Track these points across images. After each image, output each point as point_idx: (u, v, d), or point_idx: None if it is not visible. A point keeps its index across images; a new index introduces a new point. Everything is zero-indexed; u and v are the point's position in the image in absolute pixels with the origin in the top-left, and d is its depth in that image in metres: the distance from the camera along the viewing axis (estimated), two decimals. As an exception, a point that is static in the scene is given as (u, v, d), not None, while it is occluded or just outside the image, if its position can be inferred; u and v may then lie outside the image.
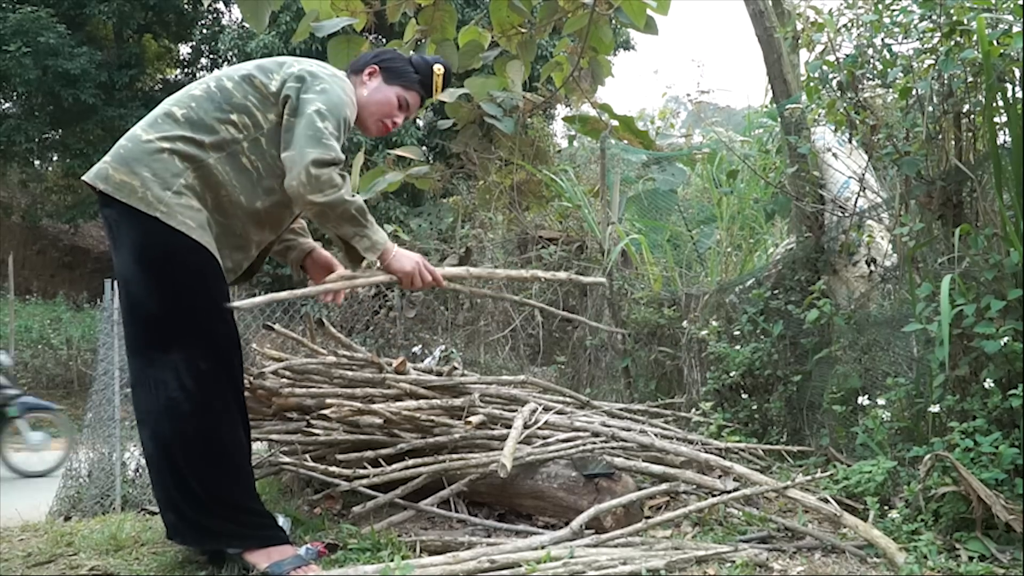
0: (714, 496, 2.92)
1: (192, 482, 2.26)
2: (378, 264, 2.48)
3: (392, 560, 2.38)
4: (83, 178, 2.35)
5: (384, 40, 13.17)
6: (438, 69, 2.73)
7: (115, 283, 2.52)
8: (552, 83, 5.48)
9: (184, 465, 2.26)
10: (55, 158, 20.99)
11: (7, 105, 19.64)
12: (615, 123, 6.26)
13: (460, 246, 8.09)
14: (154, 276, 2.24)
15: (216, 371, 2.27)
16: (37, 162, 21.47)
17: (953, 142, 3.06)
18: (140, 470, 5.41)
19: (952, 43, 2.87)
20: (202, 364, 2.24)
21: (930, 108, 3.01)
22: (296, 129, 2.32)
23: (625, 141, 6.58)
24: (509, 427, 3.12)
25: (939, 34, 2.95)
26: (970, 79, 2.94)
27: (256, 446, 3.51)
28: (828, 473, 3.02)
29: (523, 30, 4.78)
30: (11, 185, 21.52)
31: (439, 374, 3.50)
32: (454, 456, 3.02)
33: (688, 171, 7.27)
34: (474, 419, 3.13)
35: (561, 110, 13.42)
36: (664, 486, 3.06)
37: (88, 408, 6.42)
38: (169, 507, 2.33)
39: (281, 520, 2.55)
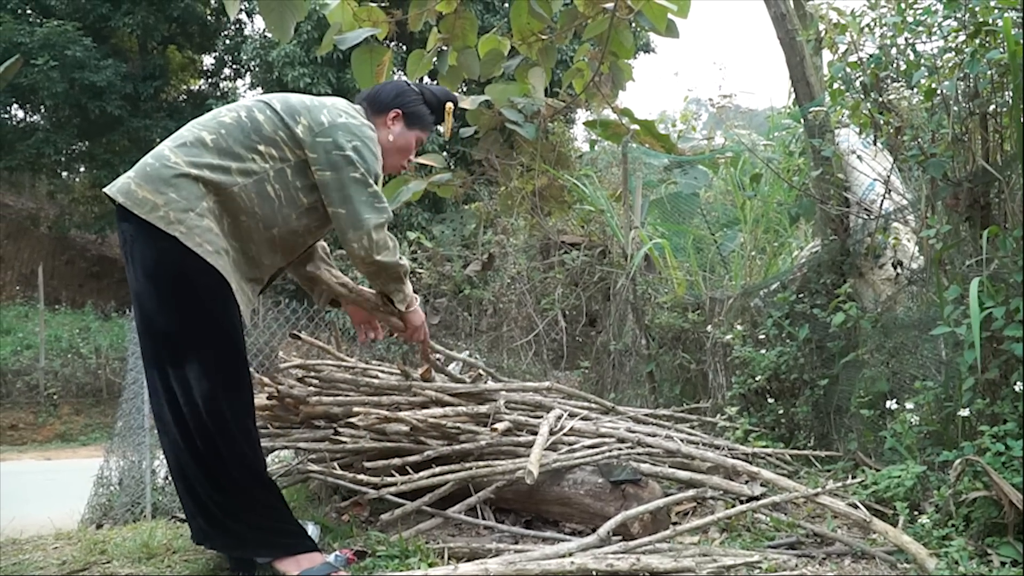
0: (742, 502, 2.91)
1: (208, 492, 2.30)
2: (403, 309, 2.76)
3: (420, 567, 2.39)
4: (105, 190, 2.38)
5: (406, 48, 13.24)
6: (449, 107, 2.84)
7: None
8: (573, 88, 5.48)
9: (199, 476, 2.30)
10: (82, 169, 21.29)
11: (35, 118, 19.98)
12: (636, 127, 6.23)
13: (482, 252, 8.12)
14: (165, 294, 2.27)
15: (223, 390, 2.29)
16: (65, 173, 21.80)
17: (980, 143, 3.03)
18: (169, 478, 5.47)
19: (977, 43, 2.85)
20: (210, 382, 2.26)
21: (956, 109, 2.99)
22: (346, 190, 2.39)
23: (647, 145, 6.55)
24: (535, 433, 3.12)
25: (964, 34, 2.92)
26: (996, 79, 2.91)
27: (284, 454, 3.56)
28: (858, 480, 3.00)
29: (543, 36, 4.79)
30: (40, 196, 21.86)
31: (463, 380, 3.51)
32: (480, 463, 3.03)
33: (710, 174, 7.23)
34: (500, 426, 3.14)
35: (582, 115, 13.43)
36: (691, 492, 3.05)
37: (118, 417, 6.51)
38: (194, 513, 2.37)
39: (311, 528, 2.58)
